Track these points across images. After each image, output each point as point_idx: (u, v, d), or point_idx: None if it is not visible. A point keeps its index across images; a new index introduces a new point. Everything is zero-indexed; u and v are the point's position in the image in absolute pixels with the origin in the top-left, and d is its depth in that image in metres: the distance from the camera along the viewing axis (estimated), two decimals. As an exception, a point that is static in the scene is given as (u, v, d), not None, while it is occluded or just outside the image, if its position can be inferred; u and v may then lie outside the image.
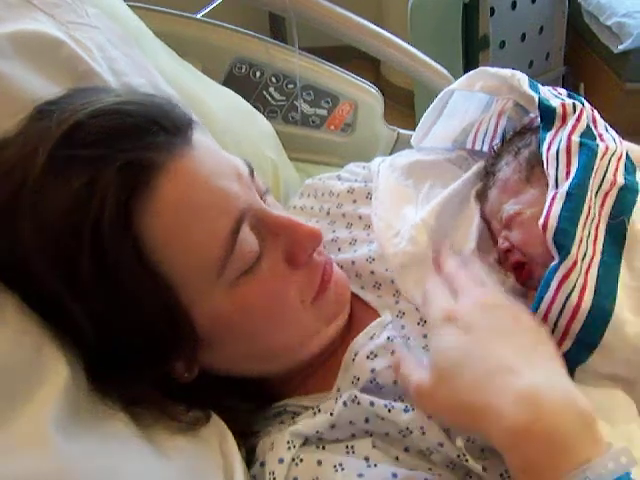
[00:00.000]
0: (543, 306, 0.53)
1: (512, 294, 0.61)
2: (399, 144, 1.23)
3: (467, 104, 0.77)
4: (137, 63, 0.76)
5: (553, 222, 0.54)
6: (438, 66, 1.16)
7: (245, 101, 0.98)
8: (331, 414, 0.55)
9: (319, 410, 0.57)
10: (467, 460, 0.51)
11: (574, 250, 0.52)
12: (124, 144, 0.48)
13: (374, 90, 1.18)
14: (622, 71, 2.18)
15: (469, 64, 2.15)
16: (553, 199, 0.56)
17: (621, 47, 2.12)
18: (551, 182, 0.58)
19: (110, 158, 0.47)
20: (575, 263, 0.52)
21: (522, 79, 0.68)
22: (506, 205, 0.63)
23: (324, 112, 1.18)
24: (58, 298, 0.48)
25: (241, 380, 0.60)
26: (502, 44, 2.20)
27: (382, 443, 0.55)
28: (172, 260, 0.50)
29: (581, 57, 2.42)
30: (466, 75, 0.74)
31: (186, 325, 0.52)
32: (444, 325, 0.50)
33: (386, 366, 0.57)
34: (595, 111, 0.65)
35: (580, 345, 0.52)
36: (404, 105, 2.36)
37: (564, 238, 0.53)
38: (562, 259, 0.53)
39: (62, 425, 0.43)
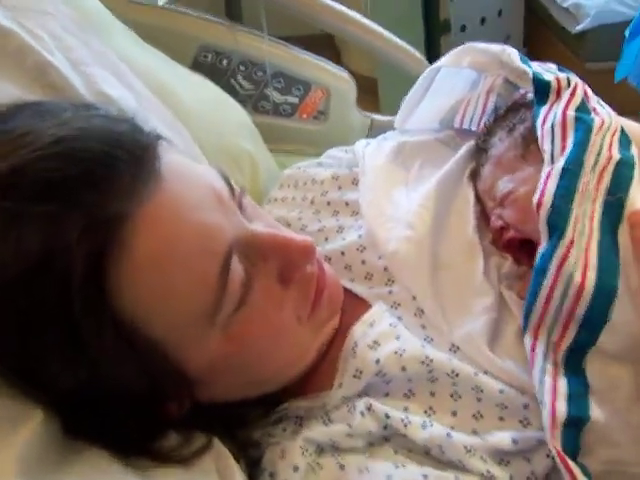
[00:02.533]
0: (543, 294, 0.48)
1: (511, 278, 0.57)
2: (373, 130, 1.17)
3: (453, 82, 0.72)
4: (97, 52, 0.68)
5: (548, 200, 0.50)
6: (413, 49, 1.11)
7: (217, 87, 0.91)
8: (349, 425, 0.50)
9: (329, 420, 0.52)
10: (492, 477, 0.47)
11: (569, 229, 0.48)
12: (79, 196, 0.40)
13: (346, 75, 1.13)
14: (581, 51, 2.17)
15: (431, 49, 2.13)
16: (548, 176, 0.52)
17: (579, 27, 2.12)
18: (546, 158, 0.54)
19: (66, 215, 0.39)
20: (572, 242, 0.48)
21: (513, 54, 0.64)
22: (500, 182, 0.60)
23: (295, 100, 1.11)
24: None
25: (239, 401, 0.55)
26: (463, 28, 2.19)
27: (403, 449, 0.50)
28: (157, 320, 0.43)
29: (540, 39, 2.41)
30: (453, 51, 0.69)
31: (177, 377, 0.47)
32: None
33: (392, 352, 0.52)
34: (587, 86, 0.61)
35: (588, 327, 0.47)
36: (367, 93, 2.31)
37: (558, 217, 0.49)
38: (557, 240, 0.49)
39: (30, 466, 0.38)
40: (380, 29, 1.07)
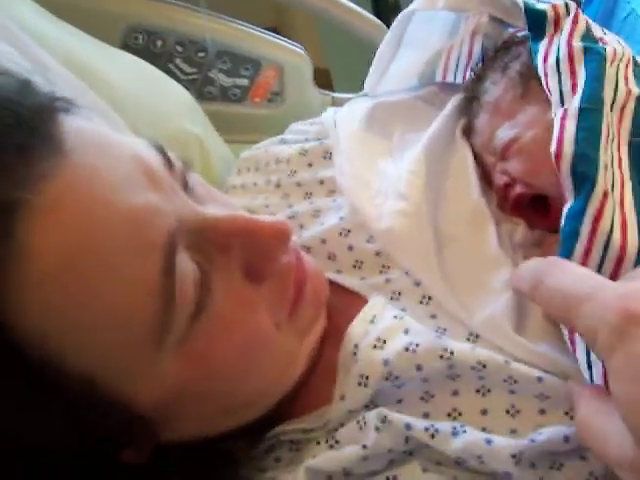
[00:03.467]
0: (576, 261, 0.40)
1: (525, 246, 0.50)
2: (336, 110, 1.07)
3: (429, 30, 0.63)
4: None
5: (569, 148, 0.42)
6: (372, 16, 1.02)
7: (151, 66, 0.79)
8: (364, 446, 0.40)
9: (336, 442, 0.42)
10: None
11: (601, 179, 0.41)
12: None
13: (300, 50, 1.02)
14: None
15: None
16: (563, 119, 0.44)
17: None
18: (554, 98, 0.46)
19: None
20: (606, 194, 0.40)
21: None
22: (499, 131, 0.52)
23: (245, 82, 0.99)
24: None
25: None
26: (413, 6, 2.10)
27: (431, 463, 0.40)
28: (81, 348, 0.33)
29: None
30: None
31: (122, 417, 0.36)
32: (628, 332, 0.27)
33: (402, 348, 0.42)
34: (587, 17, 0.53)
35: None
36: (321, 85, 2.22)
37: (586, 165, 0.41)
38: (588, 193, 0.40)
39: None
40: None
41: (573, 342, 0.40)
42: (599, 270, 0.39)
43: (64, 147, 0.33)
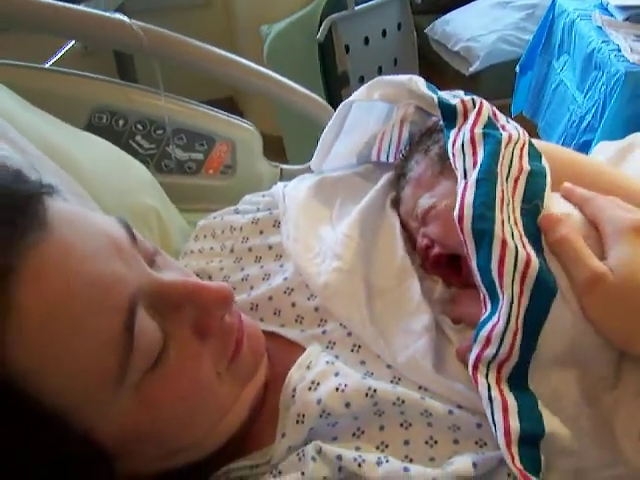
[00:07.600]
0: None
1: (442, 302, 0.59)
2: (284, 180, 1.18)
3: (367, 117, 0.75)
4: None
5: (468, 211, 0.52)
6: (318, 97, 1.14)
7: (114, 146, 0.89)
8: (302, 473, 0.48)
9: (279, 472, 0.49)
10: None
11: (498, 230, 0.50)
12: None
13: (250, 127, 1.14)
14: (476, 91, 2.29)
15: (332, 102, 2.19)
16: (464, 189, 0.54)
17: (471, 69, 2.28)
18: (460, 174, 0.57)
19: None
20: (505, 242, 0.49)
21: (419, 82, 0.69)
22: (421, 200, 0.63)
23: (200, 156, 1.11)
24: None
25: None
26: (361, 79, 2.27)
27: None
28: (53, 387, 0.40)
29: (436, 83, 2.54)
30: (363, 86, 0.72)
31: (84, 449, 0.43)
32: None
33: (333, 389, 0.51)
34: (494, 107, 0.66)
35: (530, 326, 0.48)
36: (274, 151, 2.35)
37: (484, 223, 0.51)
38: (489, 244, 0.50)
39: None
40: (284, 79, 1.10)
41: (476, 381, 0.49)
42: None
43: (46, 225, 0.41)
